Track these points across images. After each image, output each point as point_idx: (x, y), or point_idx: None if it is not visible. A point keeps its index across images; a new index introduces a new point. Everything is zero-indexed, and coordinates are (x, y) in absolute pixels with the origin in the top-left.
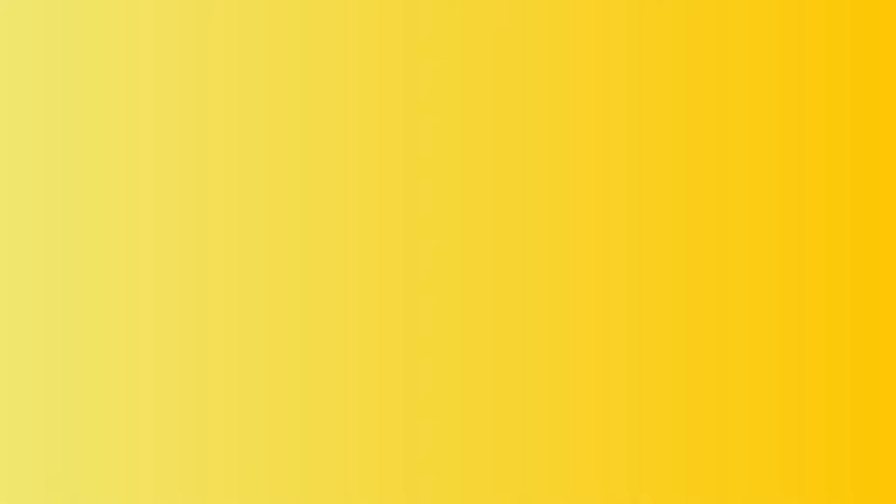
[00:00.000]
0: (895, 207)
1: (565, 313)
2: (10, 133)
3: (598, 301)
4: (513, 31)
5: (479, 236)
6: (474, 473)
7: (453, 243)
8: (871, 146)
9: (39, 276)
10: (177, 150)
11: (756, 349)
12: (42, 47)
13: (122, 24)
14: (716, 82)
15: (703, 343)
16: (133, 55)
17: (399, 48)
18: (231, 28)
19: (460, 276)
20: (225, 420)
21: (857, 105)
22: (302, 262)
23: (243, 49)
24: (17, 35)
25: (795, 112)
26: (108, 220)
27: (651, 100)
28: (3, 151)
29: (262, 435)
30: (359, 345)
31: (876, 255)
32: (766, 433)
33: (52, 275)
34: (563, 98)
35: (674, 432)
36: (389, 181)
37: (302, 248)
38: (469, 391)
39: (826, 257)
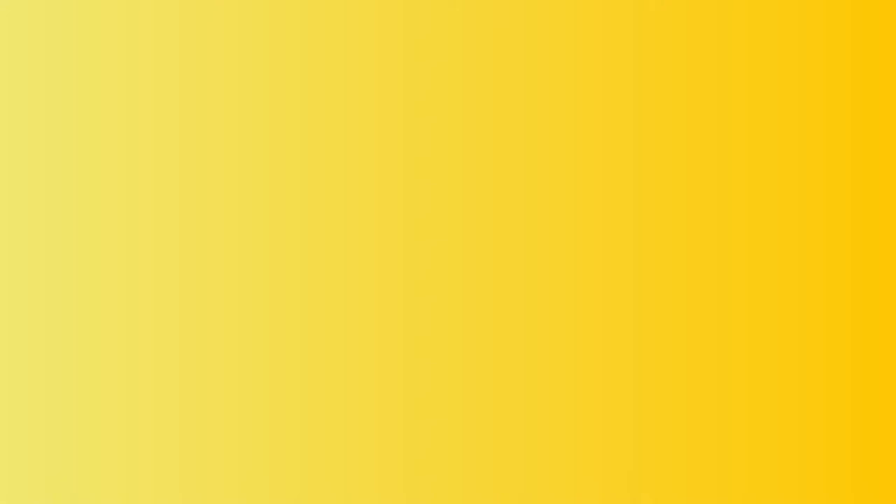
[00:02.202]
0: (895, 207)
1: (565, 313)
2: (11, 133)
3: (597, 301)
4: (513, 31)
5: (479, 236)
6: (474, 473)
7: (453, 243)
8: (871, 146)
9: (39, 276)
10: (177, 149)
11: (756, 349)
12: (42, 47)
13: (123, 24)
14: (716, 82)
15: (704, 343)
16: (133, 55)
17: (399, 48)
18: (231, 28)
19: (460, 276)
20: (225, 420)
21: (857, 105)
22: (302, 262)
23: (243, 49)
24: (18, 35)
25: (795, 112)
26: (108, 220)
27: (651, 100)
28: (3, 151)
29: (262, 435)
30: (359, 345)
31: (876, 255)
32: (766, 433)
33: (52, 275)
34: (563, 98)
35: (674, 432)
36: (389, 181)
37: (302, 247)
38: (469, 391)
39: (826, 257)
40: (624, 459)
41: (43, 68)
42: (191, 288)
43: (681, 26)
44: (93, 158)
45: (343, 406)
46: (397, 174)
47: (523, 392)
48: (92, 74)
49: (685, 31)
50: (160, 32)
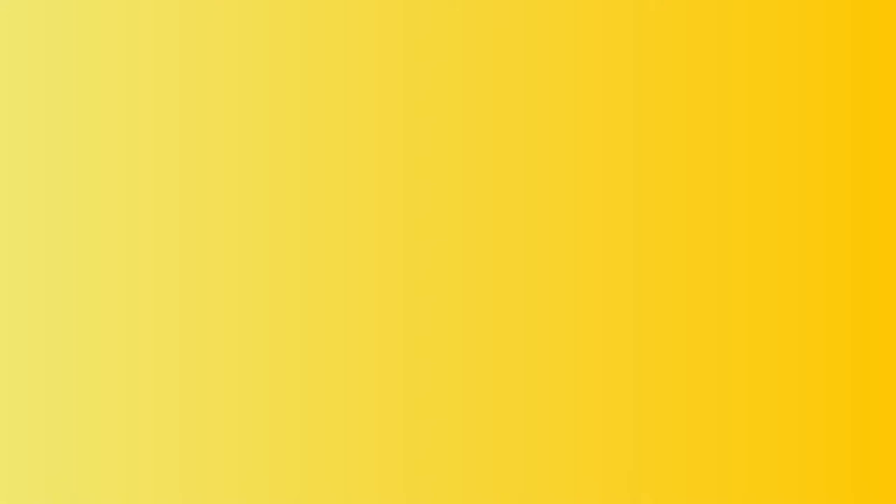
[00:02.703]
0: (895, 207)
1: (565, 313)
2: (11, 133)
3: (597, 301)
4: (513, 31)
5: (479, 236)
6: (474, 473)
7: (453, 243)
8: (871, 146)
9: (39, 276)
10: (177, 149)
11: (756, 349)
12: (42, 47)
13: (123, 24)
14: (716, 82)
15: (704, 343)
16: (133, 55)
17: (399, 48)
18: (231, 28)
19: (460, 276)
20: (225, 420)
21: (858, 105)
22: (302, 262)
23: (243, 49)
24: (18, 35)
25: (795, 112)
26: (108, 220)
27: (651, 100)
28: (3, 151)
29: (262, 435)
30: (359, 345)
31: (876, 255)
32: (766, 433)
33: (52, 275)
34: (563, 98)
35: (674, 432)
36: (389, 181)
37: (302, 247)
38: (469, 391)
39: (826, 257)
40: (624, 459)
41: (43, 68)
42: (191, 288)
43: (681, 26)
44: (93, 158)
45: (343, 406)
46: (397, 174)
47: (523, 392)
48: (92, 74)
49: (685, 31)
50: (160, 32)
